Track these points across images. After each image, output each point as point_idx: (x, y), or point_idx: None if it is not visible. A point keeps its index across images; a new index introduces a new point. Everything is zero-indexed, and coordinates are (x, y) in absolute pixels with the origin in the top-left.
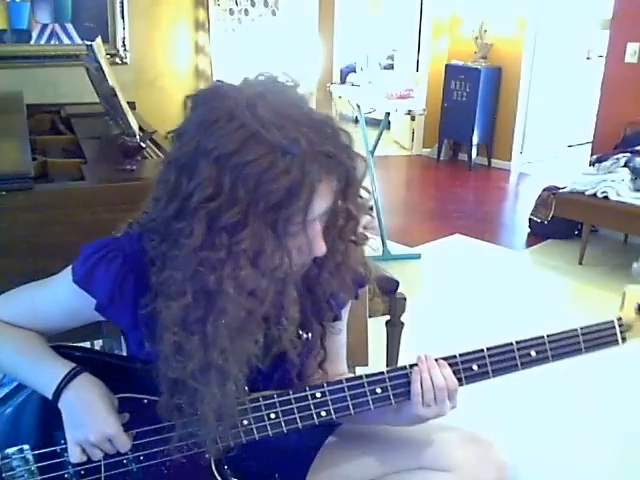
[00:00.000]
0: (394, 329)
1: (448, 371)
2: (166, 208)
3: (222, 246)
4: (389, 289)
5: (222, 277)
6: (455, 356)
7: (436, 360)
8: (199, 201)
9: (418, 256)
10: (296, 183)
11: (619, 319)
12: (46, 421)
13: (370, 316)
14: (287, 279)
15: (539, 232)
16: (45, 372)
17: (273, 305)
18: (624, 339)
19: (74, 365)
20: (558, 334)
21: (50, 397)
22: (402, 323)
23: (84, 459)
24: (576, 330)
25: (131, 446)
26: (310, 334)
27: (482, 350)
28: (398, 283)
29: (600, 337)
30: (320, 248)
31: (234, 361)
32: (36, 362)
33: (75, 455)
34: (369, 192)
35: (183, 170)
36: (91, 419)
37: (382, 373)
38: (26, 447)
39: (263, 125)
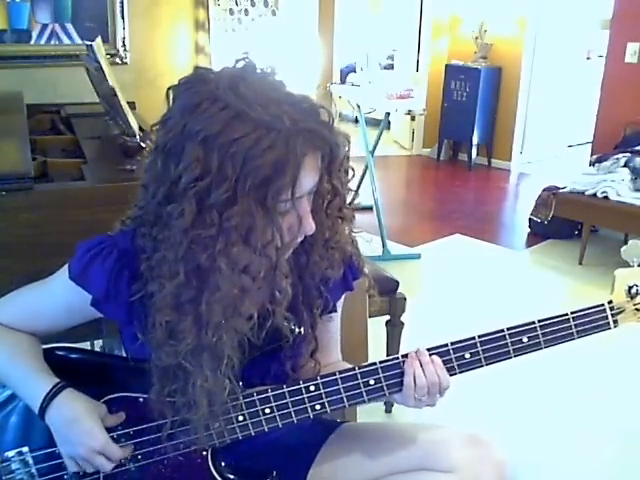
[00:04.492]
0: (394, 329)
1: (442, 369)
2: (155, 194)
3: (213, 224)
4: (389, 289)
5: (214, 254)
6: (447, 344)
7: (431, 355)
8: (188, 182)
9: (418, 256)
10: (282, 158)
11: (610, 302)
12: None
13: (370, 316)
14: (279, 256)
15: (539, 232)
16: (30, 389)
17: (266, 281)
18: (615, 322)
19: (56, 382)
20: (549, 319)
21: (37, 414)
22: (402, 323)
23: (80, 470)
24: (567, 314)
25: (123, 455)
26: (302, 327)
27: (474, 338)
28: (398, 283)
29: (591, 321)
30: (310, 226)
31: (227, 340)
32: (22, 377)
33: (72, 467)
34: (353, 170)
35: (170, 155)
36: (76, 435)
37: (374, 364)
38: (25, 449)
39: (247, 104)
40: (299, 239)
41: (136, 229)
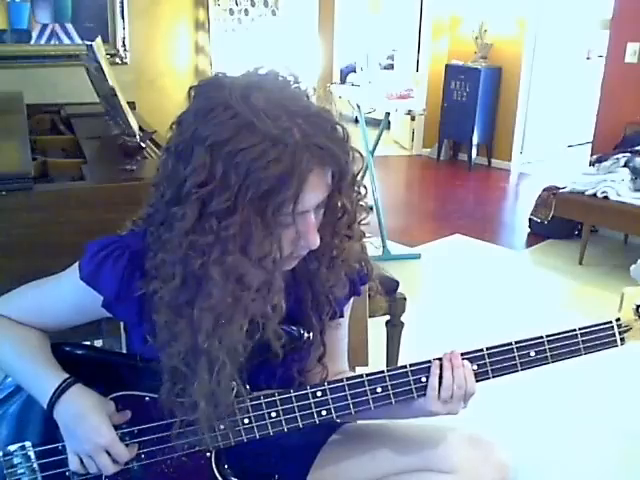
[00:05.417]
0: (394, 329)
1: (470, 374)
2: (164, 193)
3: (211, 231)
4: (389, 289)
5: (209, 262)
6: None
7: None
8: (192, 186)
9: (418, 256)
10: (286, 172)
11: (618, 320)
12: (49, 418)
13: (370, 316)
14: (275, 269)
15: (539, 232)
16: (38, 384)
17: (259, 293)
18: (623, 340)
19: (65, 377)
20: (557, 334)
21: (45, 409)
22: (402, 323)
23: (82, 470)
24: (575, 330)
25: (129, 456)
26: (310, 332)
27: (482, 350)
28: (398, 283)
29: (599, 338)
30: (314, 241)
31: (221, 347)
32: (31, 372)
33: (73, 464)
34: (365, 188)
35: (180, 157)
36: (83, 432)
37: (382, 372)
38: (28, 444)
39: (256, 115)
40: (302, 252)
41: (147, 229)
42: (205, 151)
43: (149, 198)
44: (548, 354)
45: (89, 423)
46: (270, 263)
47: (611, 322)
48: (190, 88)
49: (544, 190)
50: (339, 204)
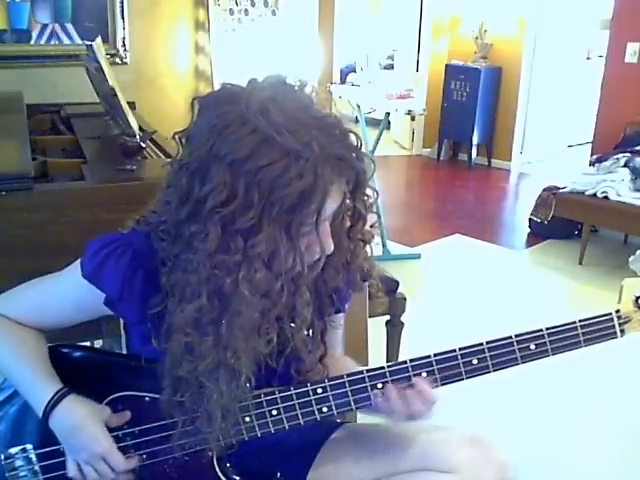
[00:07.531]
0: (394, 329)
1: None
2: (177, 211)
3: (237, 250)
4: (389, 289)
5: (238, 280)
6: (455, 350)
7: (437, 360)
8: (213, 206)
9: (418, 256)
10: (309, 187)
11: (617, 312)
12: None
13: (370, 316)
14: (300, 280)
15: (539, 232)
16: (33, 393)
17: (286, 306)
18: (622, 332)
19: (58, 388)
20: (557, 327)
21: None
22: (402, 323)
23: (80, 477)
24: (575, 323)
25: (127, 467)
26: (312, 331)
27: (482, 344)
28: (398, 283)
29: (599, 330)
30: (329, 247)
31: (246, 360)
32: (26, 380)
33: (71, 469)
34: (376, 191)
35: (195, 174)
36: (79, 441)
37: (383, 368)
38: (29, 447)
39: (276, 129)
40: (320, 259)
41: (151, 232)
42: (224, 169)
43: (157, 209)
44: (548, 347)
45: (85, 433)
46: (295, 275)
47: (610, 314)
48: (194, 99)
49: (544, 190)
50: (353, 210)
